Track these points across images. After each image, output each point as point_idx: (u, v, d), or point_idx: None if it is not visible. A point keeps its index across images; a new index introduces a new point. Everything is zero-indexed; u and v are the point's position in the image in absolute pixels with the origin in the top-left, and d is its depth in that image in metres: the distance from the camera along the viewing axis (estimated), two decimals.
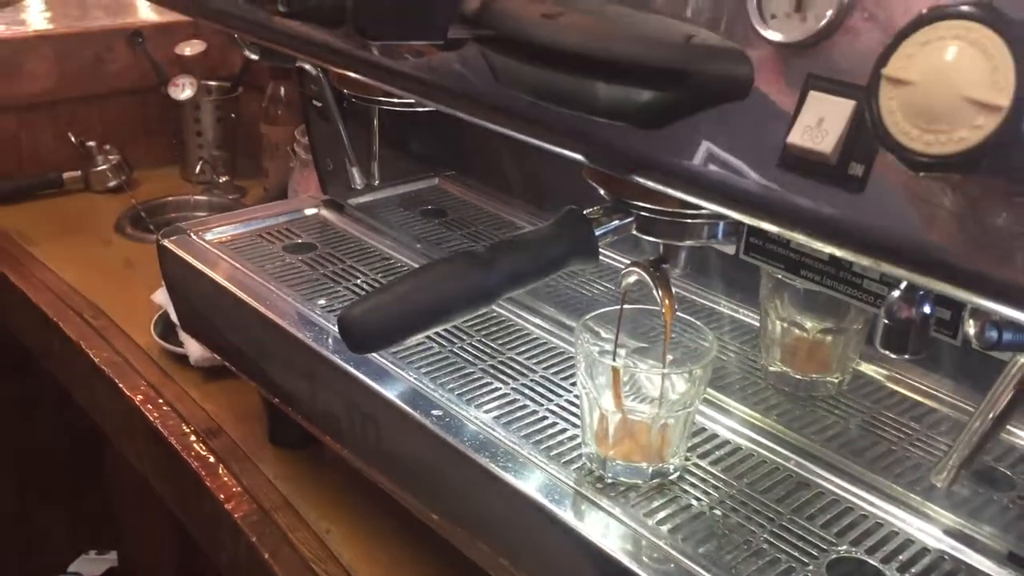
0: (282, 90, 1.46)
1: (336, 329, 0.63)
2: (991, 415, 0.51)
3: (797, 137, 0.40)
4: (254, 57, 0.83)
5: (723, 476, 0.62)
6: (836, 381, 0.71)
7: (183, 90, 1.48)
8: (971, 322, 0.45)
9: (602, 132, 0.48)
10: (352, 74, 0.64)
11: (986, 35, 0.30)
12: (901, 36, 0.32)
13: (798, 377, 0.71)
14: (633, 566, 0.54)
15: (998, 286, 0.35)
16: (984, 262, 0.35)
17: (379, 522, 0.84)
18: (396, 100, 0.77)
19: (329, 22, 0.55)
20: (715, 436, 0.66)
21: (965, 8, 0.31)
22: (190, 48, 1.48)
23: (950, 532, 0.57)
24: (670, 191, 0.48)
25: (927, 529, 0.58)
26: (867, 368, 0.74)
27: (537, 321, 0.79)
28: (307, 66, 0.83)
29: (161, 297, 1.11)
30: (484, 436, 0.64)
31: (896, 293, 0.49)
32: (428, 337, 0.76)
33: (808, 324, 0.70)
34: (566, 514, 0.58)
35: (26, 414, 1.50)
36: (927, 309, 0.48)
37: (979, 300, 0.37)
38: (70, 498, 1.57)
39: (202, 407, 1.01)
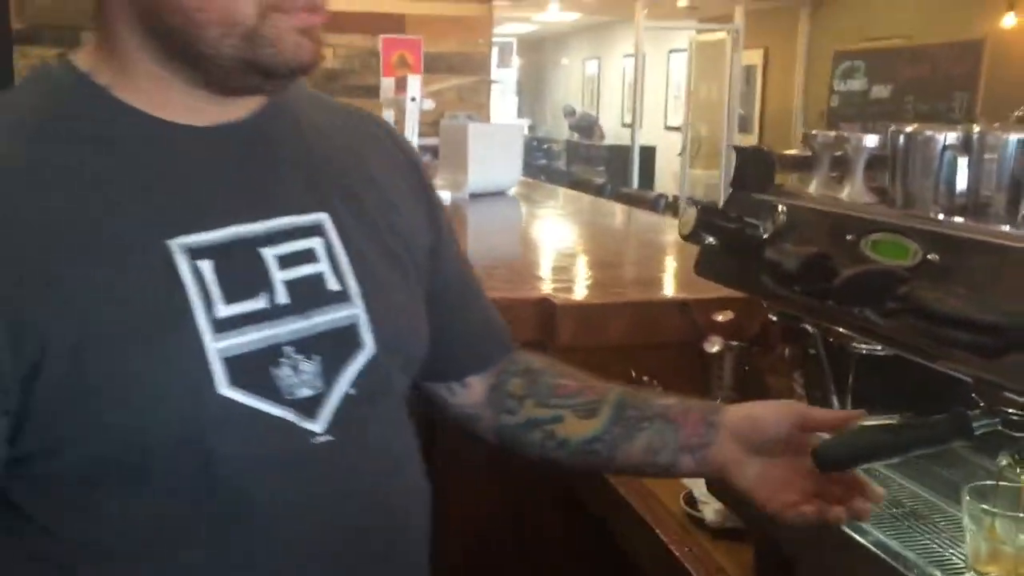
0: (787, 350, 1.94)
1: None
2: None
3: None
4: (774, 319, 1.32)
5: None
6: None
7: (713, 346, 2.03)
8: None
9: (969, 361, 0.88)
10: (835, 327, 1.10)
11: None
12: None
13: None
14: None
15: None
16: None
17: None
18: (866, 347, 1.20)
19: (821, 296, 1.02)
20: None
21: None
22: (722, 316, 2.04)
23: None
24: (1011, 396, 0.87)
25: None
26: None
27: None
28: (808, 326, 1.30)
29: (688, 480, 1.60)
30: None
31: None
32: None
33: None
34: None
35: (578, 554, 2.07)
36: None
37: None
38: None
39: (711, 554, 1.46)
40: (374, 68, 6.66)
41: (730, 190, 1.32)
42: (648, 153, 9.93)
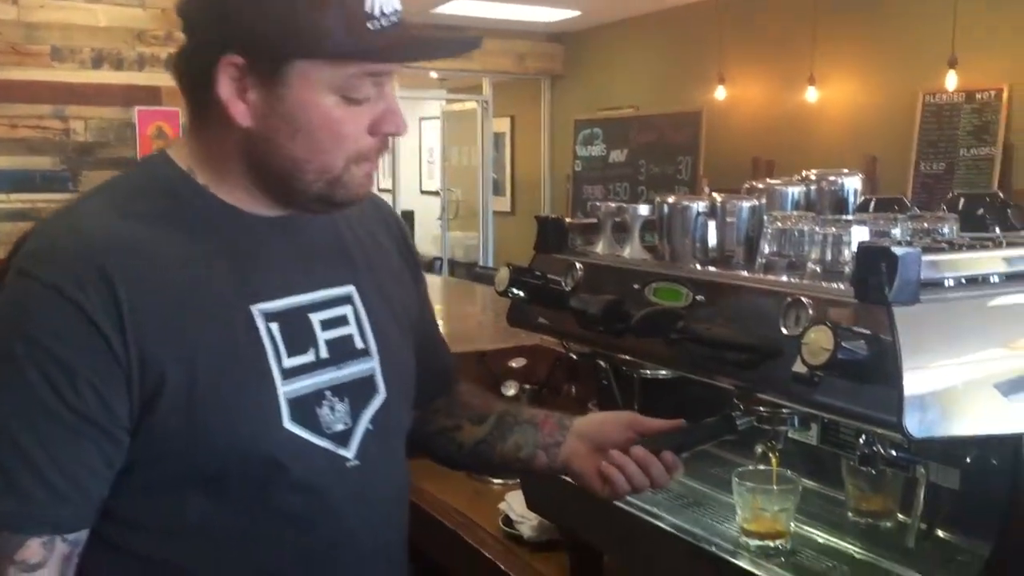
0: (573, 389, 2.24)
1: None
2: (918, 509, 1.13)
3: (796, 367, 1.08)
4: (574, 357, 1.59)
5: (812, 552, 1.24)
6: (889, 525, 1.31)
7: (510, 389, 2.30)
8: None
9: (725, 371, 1.18)
10: (630, 358, 1.39)
11: (827, 331, 0.99)
12: (808, 327, 1.02)
13: (863, 519, 1.32)
14: None
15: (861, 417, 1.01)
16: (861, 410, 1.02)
17: None
18: (649, 372, 1.50)
19: (619, 334, 1.30)
20: (816, 540, 1.28)
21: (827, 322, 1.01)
22: (515, 363, 2.32)
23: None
24: (763, 396, 1.17)
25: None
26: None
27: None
28: (600, 361, 1.59)
29: (503, 504, 1.83)
30: (689, 532, 1.30)
31: (860, 440, 1.14)
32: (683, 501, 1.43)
33: (864, 486, 1.32)
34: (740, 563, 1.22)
35: None
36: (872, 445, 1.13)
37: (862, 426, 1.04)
38: None
39: (532, 564, 1.70)
40: (129, 140, 6.57)
41: (533, 252, 1.59)
42: (407, 217, 10.22)
